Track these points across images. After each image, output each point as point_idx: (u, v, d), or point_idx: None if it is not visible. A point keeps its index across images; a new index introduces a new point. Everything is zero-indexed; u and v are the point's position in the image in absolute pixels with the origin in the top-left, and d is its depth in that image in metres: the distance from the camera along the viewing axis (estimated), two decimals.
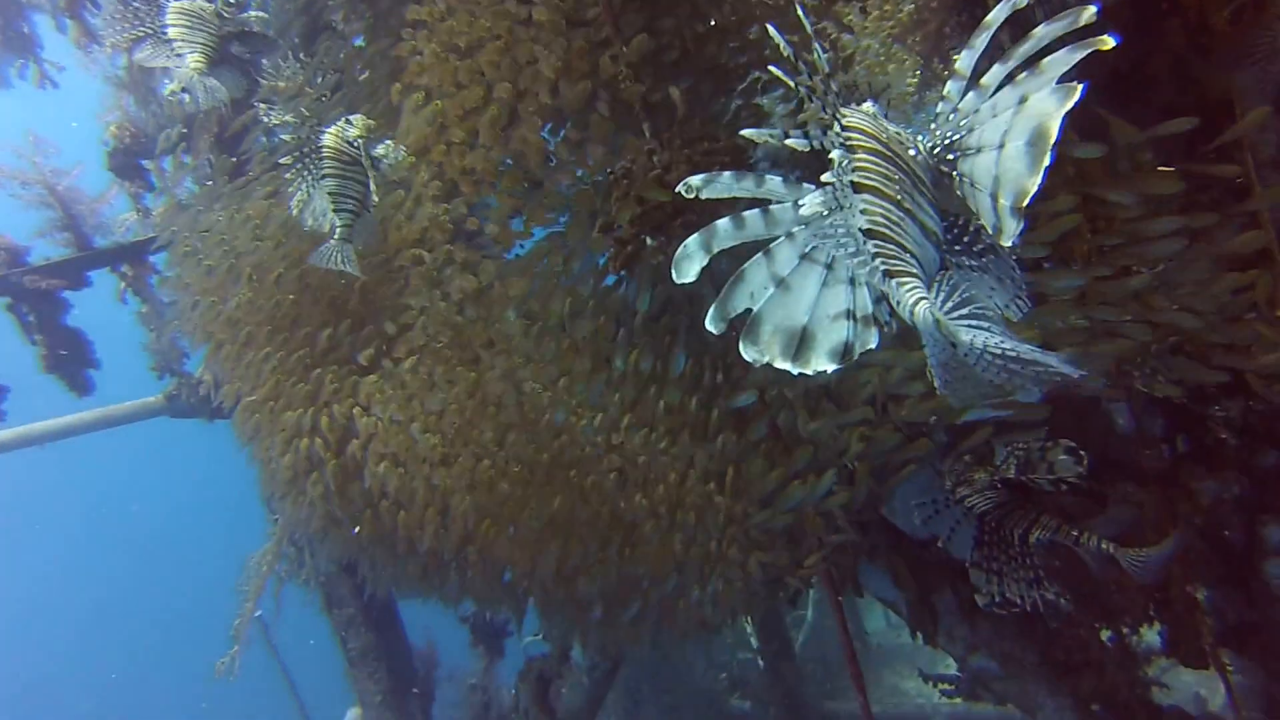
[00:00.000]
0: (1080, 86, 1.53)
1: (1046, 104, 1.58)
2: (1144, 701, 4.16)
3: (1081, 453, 3.22)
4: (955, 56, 3.15)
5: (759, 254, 1.81)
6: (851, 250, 1.80)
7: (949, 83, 1.80)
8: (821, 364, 1.76)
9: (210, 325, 4.26)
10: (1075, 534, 3.34)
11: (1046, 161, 1.56)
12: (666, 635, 4.00)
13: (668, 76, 3.60)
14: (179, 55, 3.98)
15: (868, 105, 1.91)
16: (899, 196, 1.78)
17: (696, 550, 3.70)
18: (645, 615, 3.84)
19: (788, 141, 1.84)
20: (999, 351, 1.55)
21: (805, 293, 1.80)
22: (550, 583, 3.80)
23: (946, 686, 4.53)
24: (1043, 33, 1.65)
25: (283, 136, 3.63)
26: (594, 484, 3.70)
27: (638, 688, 7.21)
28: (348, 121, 3.60)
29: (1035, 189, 1.57)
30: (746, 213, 1.81)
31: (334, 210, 3.59)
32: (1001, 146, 1.64)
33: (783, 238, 1.81)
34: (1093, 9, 1.58)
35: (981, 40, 1.74)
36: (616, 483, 3.69)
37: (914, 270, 1.75)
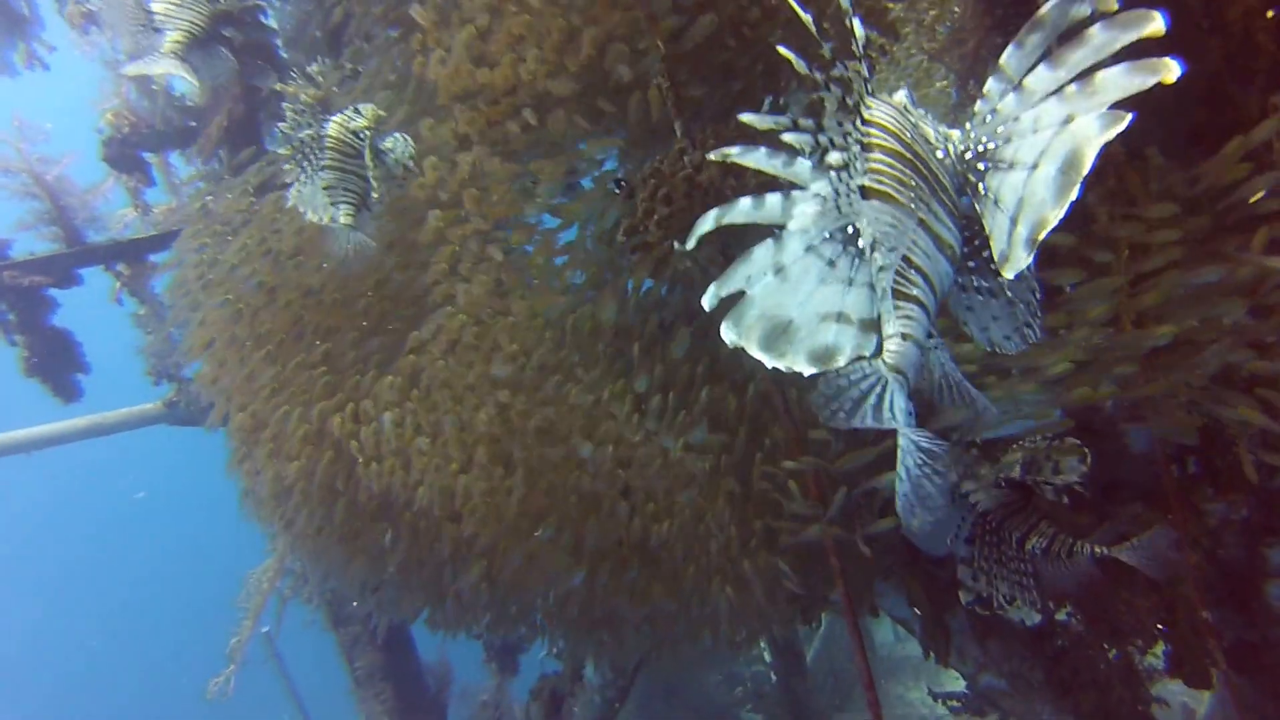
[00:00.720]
0: (1129, 116, 1.43)
1: (1088, 129, 1.48)
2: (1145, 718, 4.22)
3: (1086, 451, 3.23)
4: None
5: (770, 238, 1.74)
6: (857, 252, 1.72)
7: (990, 80, 1.67)
8: (799, 364, 1.69)
9: (208, 328, 4.14)
10: (1070, 544, 3.35)
11: (1074, 195, 1.47)
12: (686, 654, 3.97)
13: (716, 75, 3.52)
14: (157, 31, 3.80)
15: (900, 95, 1.82)
16: (912, 205, 1.68)
17: (716, 573, 3.67)
18: (665, 638, 3.81)
19: (785, 136, 1.72)
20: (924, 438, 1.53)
21: (802, 286, 1.72)
22: (566, 604, 3.76)
23: (954, 704, 4.56)
24: (1100, 40, 1.50)
25: (279, 127, 3.48)
26: (607, 504, 3.63)
27: (651, 703, 7.16)
28: (356, 110, 3.46)
29: (1057, 222, 1.49)
30: (769, 194, 1.74)
31: (333, 204, 3.45)
32: (1034, 167, 1.54)
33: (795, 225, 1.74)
34: (1160, 20, 1.43)
35: (1034, 40, 1.60)
36: (628, 507, 3.63)
37: (917, 294, 1.69)
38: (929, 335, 1.72)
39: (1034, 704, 4.27)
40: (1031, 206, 1.53)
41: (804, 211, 1.73)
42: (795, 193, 1.73)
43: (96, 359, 5.57)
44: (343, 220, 3.44)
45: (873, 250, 1.68)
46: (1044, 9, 1.55)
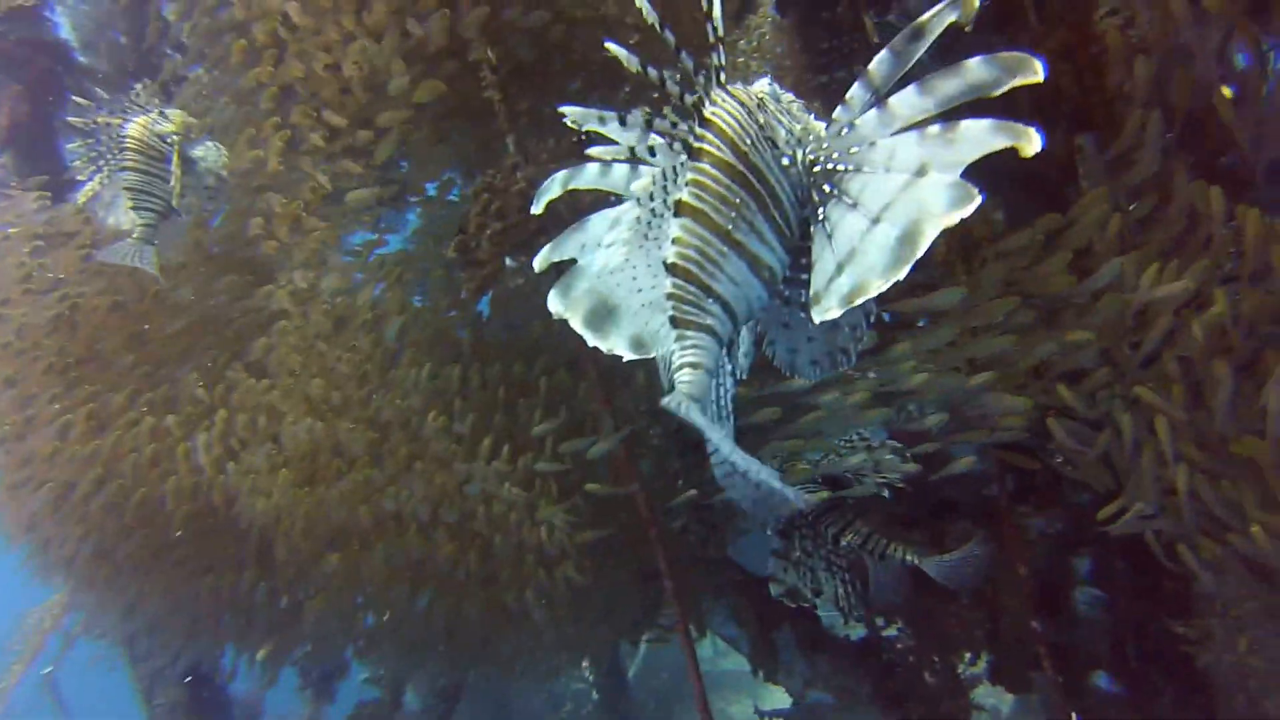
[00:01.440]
0: (977, 197, 1.33)
1: (935, 200, 1.38)
2: None
3: (908, 453, 3.28)
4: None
5: (609, 209, 1.68)
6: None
7: (855, 86, 1.52)
8: (618, 347, 1.65)
9: None
10: (884, 544, 3.41)
11: (903, 272, 1.38)
12: (508, 674, 3.88)
13: (549, 85, 3.41)
14: None
15: (761, 84, 1.67)
16: (728, 226, 1.54)
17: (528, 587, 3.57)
18: (488, 658, 3.69)
19: (593, 151, 1.63)
20: (735, 463, 1.43)
21: (633, 267, 1.66)
22: (386, 629, 3.60)
23: None
24: (977, 76, 1.39)
25: (69, 119, 3.23)
26: (420, 528, 3.48)
27: None
28: (163, 114, 3.24)
29: (877, 293, 1.41)
30: (616, 164, 1.67)
31: (132, 208, 3.20)
32: (876, 221, 1.44)
33: (637, 203, 1.64)
34: (1040, 69, 1.35)
35: (915, 50, 1.46)
36: (447, 530, 3.49)
37: (710, 324, 1.55)
38: (718, 366, 1.62)
39: (860, 717, 4.33)
40: (860, 264, 1.45)
41: (622, 225, 1.67)
42: (645, 168, 1.64)
43: None
44: (138, 233, 3.19)
45: (668, 274, 1.55)
46: (924, 17, 1.43)
